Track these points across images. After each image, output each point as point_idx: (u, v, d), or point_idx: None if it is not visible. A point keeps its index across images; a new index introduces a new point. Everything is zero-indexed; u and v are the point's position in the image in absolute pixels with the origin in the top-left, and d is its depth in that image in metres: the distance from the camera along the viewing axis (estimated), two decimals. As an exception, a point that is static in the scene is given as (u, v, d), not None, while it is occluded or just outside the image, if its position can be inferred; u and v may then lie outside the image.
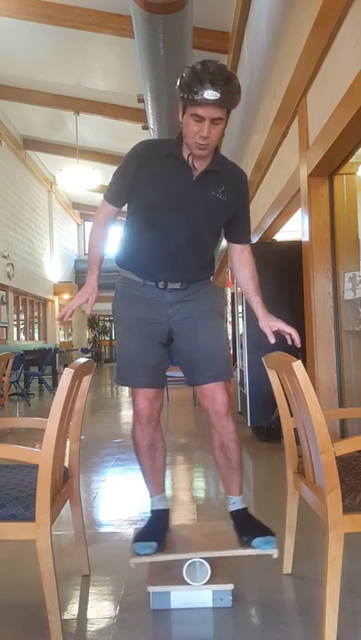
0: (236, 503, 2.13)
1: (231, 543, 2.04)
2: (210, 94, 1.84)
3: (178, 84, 1.91)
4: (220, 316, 2.28)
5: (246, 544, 1.99)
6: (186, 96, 1.88)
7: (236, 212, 2.15)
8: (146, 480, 2.20)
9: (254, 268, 2.24)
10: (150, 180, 2.06)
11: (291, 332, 2.09)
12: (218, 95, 1.84)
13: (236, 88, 1.90)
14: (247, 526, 2.06)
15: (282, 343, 2.10)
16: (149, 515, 2.20)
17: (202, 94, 1.84)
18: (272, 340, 2.12)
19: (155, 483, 2.19)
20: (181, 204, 2.05)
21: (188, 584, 1.94)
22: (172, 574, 1.99)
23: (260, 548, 1.97)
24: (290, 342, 2.09)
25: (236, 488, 2.14)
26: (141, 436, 2.14)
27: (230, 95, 1.88)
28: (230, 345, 6.54)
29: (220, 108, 1.88)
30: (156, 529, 2.11)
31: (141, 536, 2.07)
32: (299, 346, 2.10)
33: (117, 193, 2.16)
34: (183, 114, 1.95)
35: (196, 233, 2.09)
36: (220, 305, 2.32)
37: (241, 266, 2.25)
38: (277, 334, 2.13)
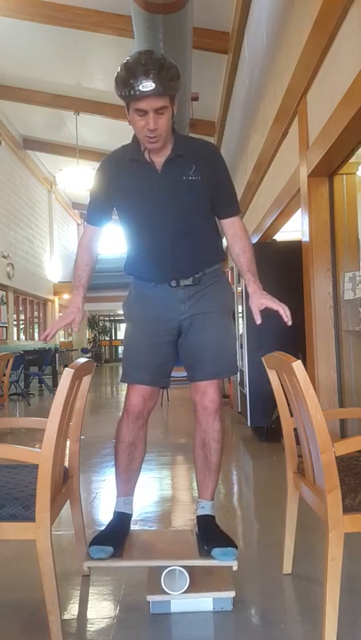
0: (205, 508, 2.10)
1: (191, 552, 2.00)
2: (145, 85, 1.80)
3: (114, 82, 1.87)
4: (231, 313, 2.23)
5: (206, 553, 1.96)
6: (124, 93, 1.85)
7: (215, 185, 2.08)
8: (117, 478, 2.15)
9: (247, 243, 2.12)
10: (123, 190, 2.07)
11: (279, 309, 1.96)
12: (154, 85, 1.80)
13: (172, 74, 1.85)
14: (210, 535, 2.02)
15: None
16: (111, 516, 2.14)
17: (138, 87, 1.80)
18: (258, 320, 2.01)
19: (126, 483, 2.14)
20: (158, 201, 2.03)
21: (171, 593, 1.89)
22: None
23: (219, 559, 1.92)
24: (286, 321, 1.96)
25: (208, 492, 2.11)
26: (126, 431, 2.11)
27: (167, 82, 1.83)
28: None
29: (160, 97, 1.84)
30: (115, 533, 2.05)
31: (98, 539, 2.00)
32: (290, 324, 1.97)
33: (96, 214, 2.18)
34: (128, 111, 1.92)
35: (185, 222, 2.06)
36: (231, 302, 2.27)
37: (233, 241, 2.14)
38: (270, 312, 2.00)
